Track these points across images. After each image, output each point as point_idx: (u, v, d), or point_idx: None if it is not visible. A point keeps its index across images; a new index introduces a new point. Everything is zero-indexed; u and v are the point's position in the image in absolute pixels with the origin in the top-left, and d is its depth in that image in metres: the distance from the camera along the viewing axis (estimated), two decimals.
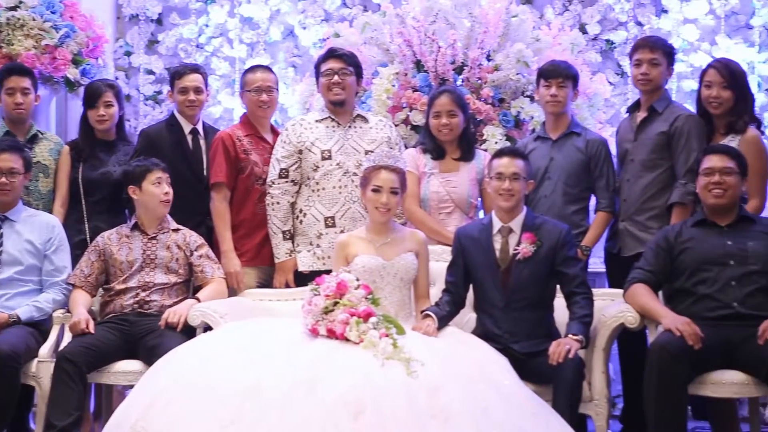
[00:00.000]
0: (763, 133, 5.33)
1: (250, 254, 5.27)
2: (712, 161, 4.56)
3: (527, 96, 5.58)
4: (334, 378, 3.84)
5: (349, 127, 5.23)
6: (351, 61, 5.23)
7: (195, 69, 5.51)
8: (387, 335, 4.01)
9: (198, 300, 4.84)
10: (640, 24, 6.36)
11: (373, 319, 4.08)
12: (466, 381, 3.93)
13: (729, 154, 4.58)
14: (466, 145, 5.21)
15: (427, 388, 3.83)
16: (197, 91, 5.41)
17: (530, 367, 4.40)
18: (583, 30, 6.32)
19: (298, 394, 3.80)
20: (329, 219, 5.12)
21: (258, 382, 3.88)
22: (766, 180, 4.97)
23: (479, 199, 5.23)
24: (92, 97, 5.46)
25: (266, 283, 5.29)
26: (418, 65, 5.67)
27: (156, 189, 4.99)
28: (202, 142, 5.43)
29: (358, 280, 4.28)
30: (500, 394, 3.95)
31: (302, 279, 5.04)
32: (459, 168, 5.19)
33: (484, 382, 3.97)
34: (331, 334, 4.10)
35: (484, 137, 5.51)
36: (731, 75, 4.92)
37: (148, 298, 4.93)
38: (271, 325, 4.40)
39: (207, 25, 6.87)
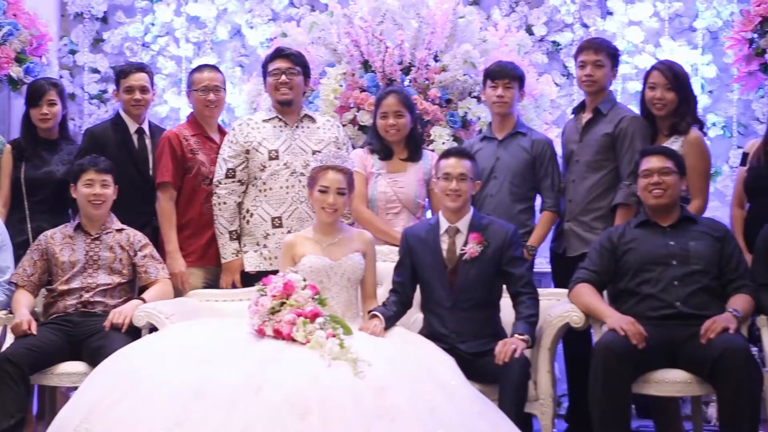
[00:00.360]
0: (705, 134, 5.41)
1: (197, 254, 5.25)
2: (651, 162, 4.61)
3: (474, 97, 5.61)
4: (281, 379, 3.83)
5: (297, 127, 5.22)
6: (298, 60, 5.23)
7: (141, 68, 5.47)
8: (334, 335, 4.01)
9: (143, 300, 4.81)
10: (585, 26, 6.42)
11: (320, 320, 4.08)
12: (413, 381, 3.94)
13: (666, 155, 4.64)
14: (414, 145, 5.22)
15: (374, 388, 3.83)
16: (143, 90, 5.36)
17: (476, 366, 4.43)
18: (529, 31, 6.37)
19: (244, 395, 3.78)
20: (276, 219, 5.11)
21: (204, 383, 3.86)
22: (708, 180, 5.04)
23: (427, 199, 5.25)
24: (35, 95, 5.40)
25: (213, 283, 5.27)
26: (366, 65, 5.68)
27: (85, 190, 4.93)
28: (148, 141, 5.38)
29: (305, 280, 4.27)
30: (446, 394, 3.96)
31: (249, 279, 5.03)
32: (406, 168, 5.21)
33: (431, 382, 3.98)
34: (278, 334, 4.09)
35: (431, 138, 5.53)
36: (675, 77, 4.99)
37: (92, 299, 4.88)
38: (218, 325, 4.38)
39: (153, 24, 6.83)
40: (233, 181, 5.16)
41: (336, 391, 3.78)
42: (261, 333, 4.14)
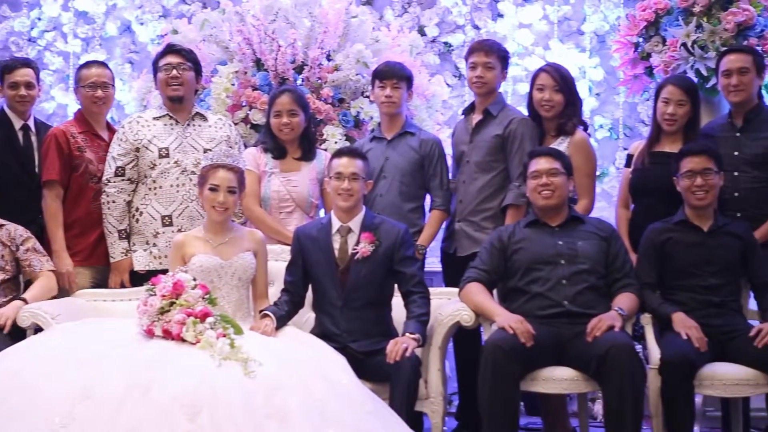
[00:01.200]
0: (590, 135, 5.52)
1: (84, 254, 5.16)
2: (539, 164, 4.69)
3: (367, 96, 5.63)
4: (170, 379, 3.80)
5: (188, 125, 5.18)
6: (189, 57, 5.19)
7: (26, 63, 5.35)
8: (224, 335, 3.99)
9: (25, 301, 4.71)
10: (477, 27, 6.49)
11: (210, 320, 4.05)
12: (304, 380, 3.94)
13: (554, 156, 4.73)
14: (307, 144, 5.22)
15: (265, 388, 3.82)
16: (28, 86, 5.25)
17: (368, 365, 4.45)
18: (421, 32, 6.42)
19: (132, 396, 3.73)
20: (166, 218, 5.06)
21: (90, 385, 3.80)
22: (594, 180, 5.15)
23: (320, 198, 5.25)
24: None
25: (101, 283, 5.19)
26: (258, 64, 5.66)
27: None
28: (33, 138, 5.27)
29: (195, 279, 4.24)
30: (337, 394, 3.97)
31: (138, 279, 4.98)
32: (300, 167, 5.21)
33: (322, 381, 3.99)
34: (167, 334, 4.05)
35: (324, 137, 5.53)
36: (562, 79, 5.08)
37: None
38: (105, 326, 4.32)
39: (40, 19, 6.71)
40: (123, 180, 5.09)
41: (226, 391, 3.76)
42: (150, 333, 4.10)
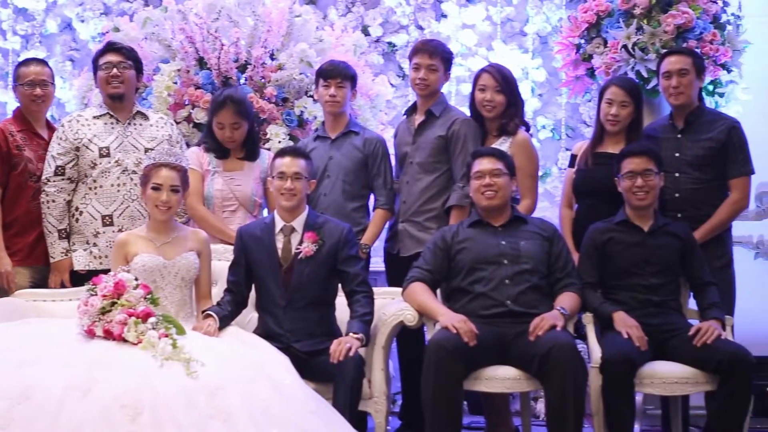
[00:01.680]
0: (532, 135, 5.57)
1: (23, 253, 5.10)
2: (482, 164, 4.72)
3: (310, 96, 5.63)
4: (111, 380, 3.77)
5: (129, 124, 5.14)
6: (130, 55, 5.15)
7: None
8: (167, 335, 3.97)
9: None
10: (421, 28, 6.51)
11: (152, 320, 4.03)
12: (247, 381, 3.93)
13: (496, 156, 4.76)
14: (251, 145, 5.21)
15: (207, 388, 3.81)
16: None
17: (311, 365, 4.45)
18: (365, 32, 6.42)
19: (73, 397, 3.70)
20: (107, 217, 5.02)
21: (30, 385, 3.76)
22: (536, 180, 5.20)
23: (263, 197, 5.24)
24: None
25: (40, 283, 5.13)
26: (201, 62, 5.63)
27: None
28: None
29: (136, 279, 4.21)
30: (280, 394, 3.96)
31: (79, 279, 4.93)
32: (243, 167, 5.20)
33: (265, 381, 3.98)
34: (109, 335, 4.02)
35: (267, 136, 5.51)
36: (504, 79, 5.12)
37: None
38: (45, 326, 4.28)
39: None
40: (62, 179, 5.04)
41: (168, 391, 3.75)
42: (91, 333, 4.06)
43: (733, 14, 5.77)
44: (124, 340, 3.99)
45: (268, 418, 3.81)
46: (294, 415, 3.89)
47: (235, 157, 5.18)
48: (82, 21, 6.54)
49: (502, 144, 5.06)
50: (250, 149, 5.19)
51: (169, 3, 5.82)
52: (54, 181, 5.02)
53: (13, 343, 4.07)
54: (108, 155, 5.03)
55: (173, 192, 4.50)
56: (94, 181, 5.03)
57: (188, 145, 5.36)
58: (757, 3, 5.99)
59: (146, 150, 5.02)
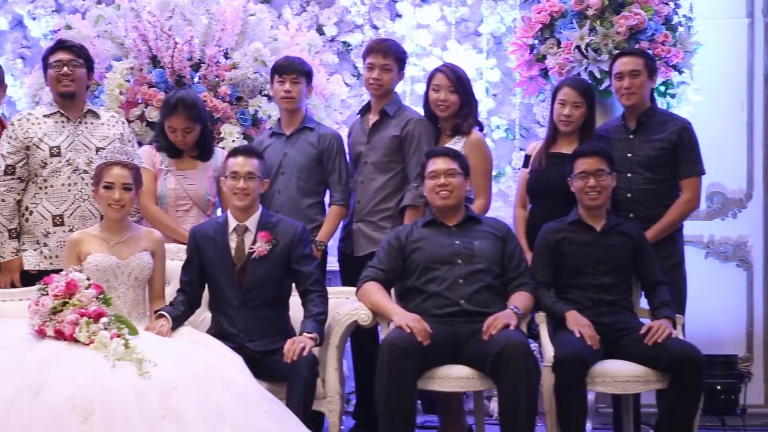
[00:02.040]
0: (486, 135, 5.59)
1: None
2: (436, 164, 4.74)
3: (265, 95, 5.62)
4: (62, 381, 3.76)
5: (80, 122, 5.10)
6: (81, 53, 5.11)
7: None
8: (119, 336, 3.96)
9: None
10: (375, 27, 6.51)
11: (104, 320, 4.01)
12: (200, 381, 3.93)
13: (451, 156, 4.78)
14: (204, 144, 5.19)
15: (160, 388, 3.81)
16: None
17: (265, 365, 4.44)
18: (320, 31, 6.41)
19: (23, 399, 3.69)
20: (57, 217, 4.97)
21: None
22: (490, 180, 5.22)
23: (217, 197, 5.22)
24: None
25: None
26: (154, 61, 5.60)
27: None
28: None
29: (88, 279, 4.19)
30: (234, 394, 3.96)
31: (29, 279, 4.88)
32: (196, 165, 5.18)
33: (218, 381, 3.98)
34: (60, 335, 4.00)
35: (221, 135, 5.50)
36: (457, 79, 5.14)
37: None
38: None
39: None
40: (12, 178, 4.99)
41: (120, 392, 3.74)
42: (42, 333, 4.05)
43: (684, 16, 5.82)
44: (76, 341, 3.97)
45: (221, 419, 3.81)
46: (247, 415, 3.90)
47: (189, 156, 5.16)
48: (34, 18, 6.47)
49: (456, 144, 5.08)
50: (203, 148, 5.17)
51: (122, 1, 5.79)
52: (4, 181, 4.97)
53: None
54: (59, 154, 4.99)
55: (125, 190, 4.47)
56: (45, 180, 4.99)
57: (140, 144, 5.32)
58: (708, 5, 6.04)
59: (97, 149, 4.98)
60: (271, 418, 3.98)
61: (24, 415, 3.65)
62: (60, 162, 4.99)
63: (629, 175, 5.05)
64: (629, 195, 5.05)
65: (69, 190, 4.99)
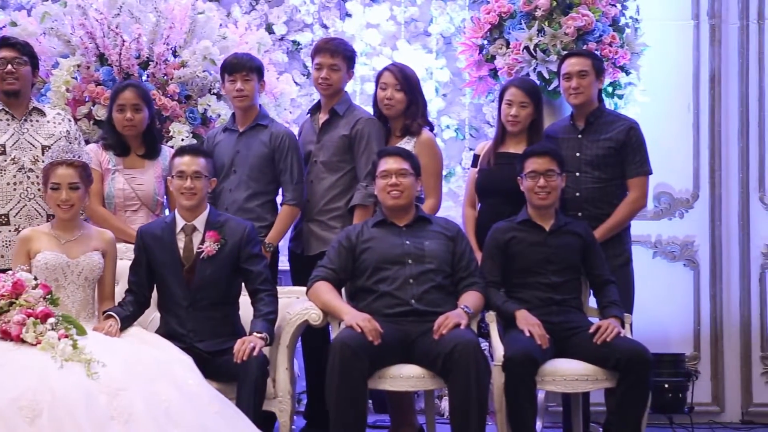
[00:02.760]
0: (436, 135, 5.62)
1: None
2: (388, 164, 4.76)
3: (214, 93, 5.61)
4: (8, 382, 3.74)
5: (25, 120, 5.05)
6: (25, 50, 5.06)
7: None
8: (66, 336, 3.93)
9: None
10: (325, 26, 6.50)
11: (51, 320, 3.99)
12: (149, 381, 3.92)
13: (402, 156, 4.80)
14: (151, 141, 5.16)
15: (109, 389, 3.79)
16: None
17: (215, 365, 4.43)
18: (269, 30, 6.39)
19: None
20: (3, 216, 4.92)
21: None
22: (440, 180, 5.24)
23: (165, 196, 5.19)
24: None
25: None
26: (102, 59, 5.56)
27: None
28: None
29: (36, 279, 4.16)
30: (183, 394, 3.96)
31: None
32: (144, 164, 5.15)
33: (167, 382, 3.97)
34: (6, 335, 3.98)
35: (170, 134, 5.47)
36: (404, 78, 5.16)
37: None
38: None
39: None
40: None
41: (67, 393, 3.72)
42: None
43: (631, 17, 5.89)
44: (23, 341, 3.94)
45: (170, 419, 3.81)
46: (197, 416, 3.89)
47: (135, 155, 5.12)
48: None
49: (407, 144, 5.09)
50: (150, 146, 5.14)
51: None
52: None
53: None
54: (4, 153, 4.94)
55: (73, 189, 4.43)
56: None
57: (87, 142, 5.28)
58: (655, 7, 6.11)
59: (43, 147, 4.93)
60: (222, 417, 3.97)
61: None
62: (5, 161, 4.94)
63: (578, 174, 5.10)
64: (578, 194, 5.10)
65: (15, 189, 4.93)
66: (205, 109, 5.57)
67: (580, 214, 5.06)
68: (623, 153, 5.12)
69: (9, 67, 4.97)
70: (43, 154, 4.84)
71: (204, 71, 5.57)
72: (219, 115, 5.55)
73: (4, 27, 5.81)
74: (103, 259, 4.54)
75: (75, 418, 3.65)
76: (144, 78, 5.54)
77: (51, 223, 4.57)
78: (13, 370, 3.81)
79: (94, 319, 4.52)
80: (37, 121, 5.08)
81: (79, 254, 4.47)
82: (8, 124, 5.02)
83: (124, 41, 5.53)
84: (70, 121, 5.22)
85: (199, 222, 4.62)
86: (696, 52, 6.26)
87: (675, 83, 6.23)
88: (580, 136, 5.17)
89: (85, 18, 5.58)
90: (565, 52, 5.46)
